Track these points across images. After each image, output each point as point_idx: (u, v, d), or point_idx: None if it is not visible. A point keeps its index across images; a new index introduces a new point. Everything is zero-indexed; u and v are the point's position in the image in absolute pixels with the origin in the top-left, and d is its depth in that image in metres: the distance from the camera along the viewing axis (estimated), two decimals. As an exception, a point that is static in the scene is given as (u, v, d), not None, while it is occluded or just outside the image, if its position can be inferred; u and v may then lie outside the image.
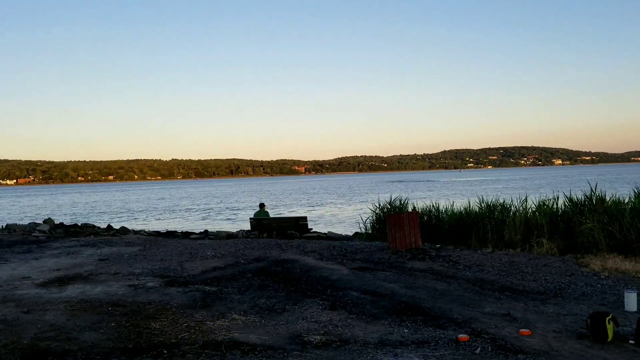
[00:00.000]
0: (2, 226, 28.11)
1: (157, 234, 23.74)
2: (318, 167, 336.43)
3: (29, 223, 29.27)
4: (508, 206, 12.92)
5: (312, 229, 18.83)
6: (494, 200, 13.46)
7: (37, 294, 7.74)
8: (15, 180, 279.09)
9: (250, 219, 18.00)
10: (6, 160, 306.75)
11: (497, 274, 9.23)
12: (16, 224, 29.60)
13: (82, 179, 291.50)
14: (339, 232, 21.40)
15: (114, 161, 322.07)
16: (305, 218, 16.99)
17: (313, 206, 49.66)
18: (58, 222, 30.33)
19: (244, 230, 21.15)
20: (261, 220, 17.15)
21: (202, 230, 25.05)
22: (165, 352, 5.12)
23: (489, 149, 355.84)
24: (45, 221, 28.91)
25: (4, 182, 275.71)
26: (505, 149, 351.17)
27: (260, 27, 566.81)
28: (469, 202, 13.77)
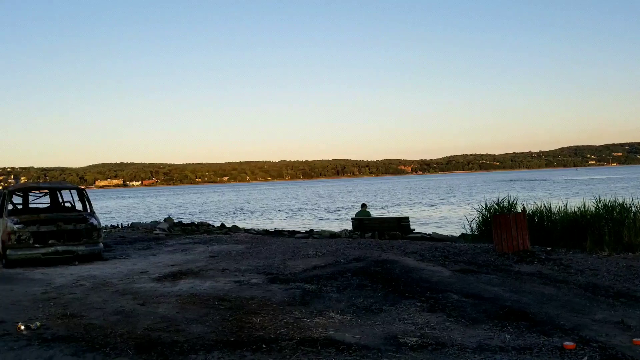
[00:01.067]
0: (128, 224, 30.60)
1: (265, 232, 24.63)
2: (425, 167, 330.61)
3: (151, 222, 31.61)
4: (628, 206, 11.93)
5: (414, 229, 18.55)
6: (612, 199, 12.48)
7: (152, 288, 8.34)
8: (140, 182, 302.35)
9: (352, 219, 18.11)
10: (132, 163, 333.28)
11: (612, 279, 8.55)
12: (140, 222, 32.09)
13: (200, 180, 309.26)
14: (445, 233, 20.93)
15: (228, 163, 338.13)
16: (407, 218, 16.79)
17: (419, 206, 48.93)
18: (177, 221, 32.48)
19: (346, 230, 21.32)
20: (363, 220, 17.20)
21: (308, 230, 25.61)
22: (264, 346, 5.31)
23: (613, 144, 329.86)
24: (165, 220, 31.09)
25: (131, 183, 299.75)
26: (631, 145, 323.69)
27: (355, 28, 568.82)
28: (584, 202, 12.87)
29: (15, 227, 10.89)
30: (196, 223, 31.51)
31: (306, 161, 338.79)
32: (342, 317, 6.46)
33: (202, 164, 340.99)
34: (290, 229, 27.45)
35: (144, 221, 33.79)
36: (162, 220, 30.93)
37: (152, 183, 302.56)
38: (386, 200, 62.20)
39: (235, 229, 26.08)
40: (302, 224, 34.54)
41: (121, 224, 31.02)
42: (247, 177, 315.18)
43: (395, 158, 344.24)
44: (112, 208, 69.82)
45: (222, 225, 29.73)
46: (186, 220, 37.05)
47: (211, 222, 33.25)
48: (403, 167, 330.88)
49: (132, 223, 30.77)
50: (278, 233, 24.16)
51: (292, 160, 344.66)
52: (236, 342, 5.47)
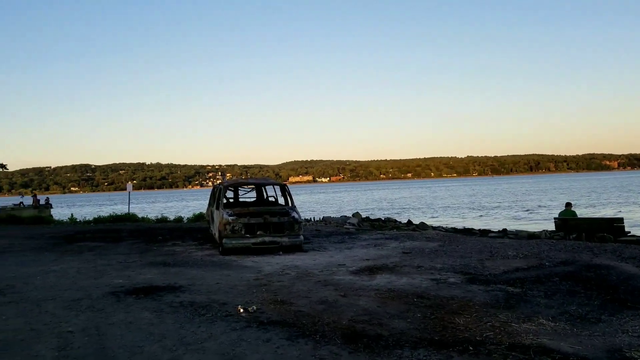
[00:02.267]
0: (320, 218, 32.21)
1: (455, 230, 24.02)
2: (635, 162, 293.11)
3: (341, 216, 32.88)
4: None
5: (629, 232, 16.52)
6: None
7: (350, 281, 8.60)
8: (328, 178, 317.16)
9: (555, 219, 16.75)
10: (321, 161, 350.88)
11: None
12: (330, 216, 33.59)
13: (384, 176, 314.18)
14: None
15: (412, 159, 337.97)
16: (621, 219, 15.02)
17: (633, 207, 43.52)
18: (364, 216, 33.33)
19: (547, 231, 19.81)
20: (567, 221, 15.80)
21: (501, 229, 24.38)
22: (471, 348, 5.12)
23: None
24: (354, 215, 32.11)
25: (320, 179, 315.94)
26: None
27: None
28: None
29: (230, 218, 12.08)
30: (383, 219, 31.96)
31: (495, 157, 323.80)
32: (554, 324, 5.96)
33: (386, 160, 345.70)
34: (481, 228, 26.40)
35: (334, 216, 35.26)
36: (350, 216, 32.01)
37: (339, 179, 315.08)
38: (592, 199, 56.58)
39: (423, 226, 25.88)
40: (494, 223, 33.04)
41: (313, 217, 32.77)
42: (432, 174, 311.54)
43: (599, 152, 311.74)
44: (303, 202, 74.25)
45: (409, 222, 29.71)
46: (372, 215, 37.78)
47: (397, 219, 33.45)
48: (608, 162, 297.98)
49: (323, 217, 32.33)
50: (468, 231, 23.38)
51: (480, 155, 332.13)
52: (441, 341, 5.36)
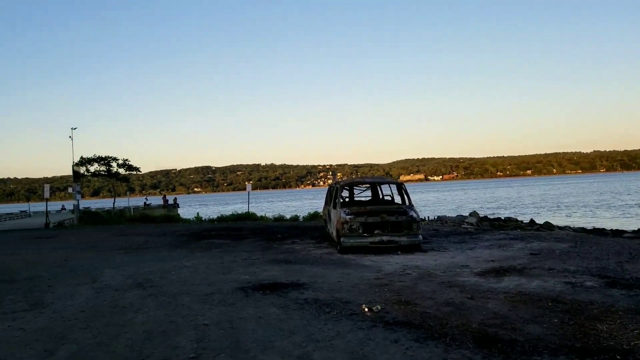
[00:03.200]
0: (435, 217, 31.52)
1: (583, 230, 22.41)
2: None
3: (457, 215, 31.94)
4: None
5: None
6: None
7: (476, 282, 8.28)
8: (440, 176, 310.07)
9: None
10: (433, 159, 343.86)
11: None
12: (445, 215, 32.75)
13: (501, 174, 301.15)
14: None
15: (532, 155, 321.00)
16: None
17: None
18: (482, 215, 32.12)
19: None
20: None
21: (637, 229, 22.38)
22: (619, 357, 4.70)
23: None
24: (471, 214, 31.03)
25: (432, 177, 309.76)
26: None
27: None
28: None
29: (347, 217, 12.15)
30: (503, 218, 30.59)
31: (625, 151, 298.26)
32: None
33: (503, 157, 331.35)
34: (614, 228, 24.38)
35: (449, 215, 34.34)
36: (467, 215, 30.99)
37: (452, 177, 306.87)
38: None
39: (548, 225, 24.40)
40: (628, 223, 30.41)
41: (428, 217, 32.14)
42: (554, 170, 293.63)
43: None
44: (416, 201, 73.11)
45: (532, 221, 28.17)
46: (490, 214, 36.32)
47: (518, 218, 31.85)
48: None
49: (438, 216, 31.62)
50: (599, 232, 21.70)
51: (607, 150, 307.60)
52: (583, 349, 4.97)
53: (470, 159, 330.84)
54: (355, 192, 17.37)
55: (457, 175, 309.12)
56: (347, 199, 16.70)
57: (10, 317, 7.09)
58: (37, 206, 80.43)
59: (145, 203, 55.91)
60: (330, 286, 8.30)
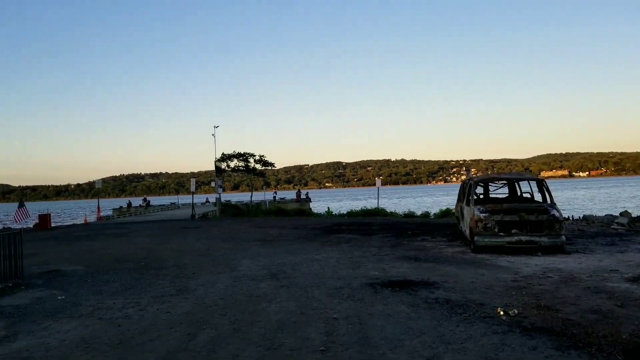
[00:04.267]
0: (580, 217, 29.18)
1: None
2: None
3: (606, 215, 29.27)
4: None
5: None
6: None
7: (627, 289, 7.50)
8: (587, 172, 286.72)
9: None
10: (578, 153, 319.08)
11: None
12: (592, 215, 30.16)
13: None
14: None
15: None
16: None
17: None
18: (635, 216, 29.11)
19: None
20: None
21: None
22: None
23: None
24: (622, 214, 28.26)
25: (577, 174, 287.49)
26: None
27: None
28: None
29: (482, 215, 11.63)
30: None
31: None
32: None
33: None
34: None
35: (596, 214, 31.57)
36: (617, 214, 28.28)
37: (600, 173, 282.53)
38: None
39: None
40: None
41: (572, 216, 29.83)
42: None
43: None
44: (558, 199, 68.40)
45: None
46: (646, 215, 32.74)
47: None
48: None
49: (583, 216, 29.21)
50: None
51: None
52: None
53: (622, 153, 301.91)
54: (491, 188, 16.59)
55: (605, 172, 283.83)
56: (481, 196, 16.01)
57: (159, 301, 7.73)
58: (185, 199, 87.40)
59: (274, 197, 58.39)
60: (462, 286, 8.01)
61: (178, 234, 19.82)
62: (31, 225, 27.11)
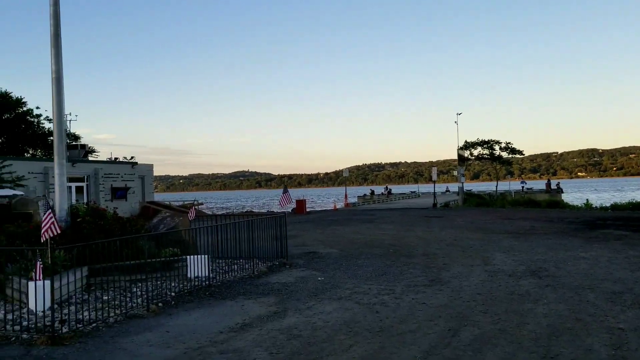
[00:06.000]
0: None
1: None
2: None
3: None
4: None
5: None
6: None
7: None
8: None
9: None
10: None
11: None
12: None
13: None
14: None
15: None
16: None
17: None
18: None
19: None
20: None
21: None
22: None
23: None
24: None
25: None
26: None
27: None
28: None
29: None
30: None
31: None
32: None
33: None
34: None
35: None
36: None
37: None
38: None
39: None
40: None
41: None
42: None
43: None
44: None
45: None
46: None
47: None
48: None
49: None
50: None
51: None
52: None
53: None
54: None
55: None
56: None
57: (412, 290, 7.58)
58: (424, 187, 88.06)
59: (522, 187, 54.64)
60: None
61: (422, 222, 19.76)
62: (290, 210, 30.04)
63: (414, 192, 68.15)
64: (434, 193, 36.83)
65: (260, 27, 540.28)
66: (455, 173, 45.90)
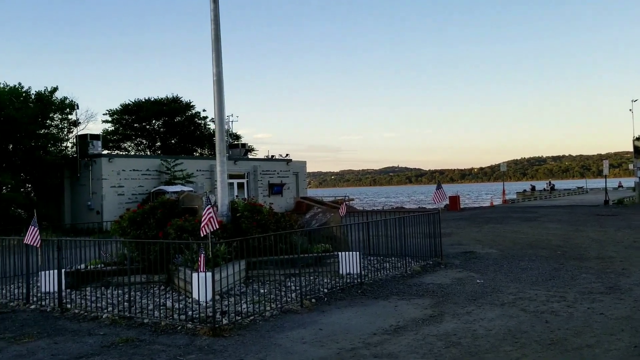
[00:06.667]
0: None
1: None
2: None
3: None
4: None
5: None
6: None
7: None
8: None
9: None
10: None
11: None
12: None
13: None
14: None
15: None
16: None
17: None
18: None
19: None
20: None
21: None
22: None
23: None
24: None
25: None
26: None
27: None
28: None
29: None
30: None
31: None
32: None
33: None
34: None
35: None
36: None
37: None
38: None
39: None
40: None
41: None
42: None
43: None
44: None
45: None
46: None
47: None
48: None
49: None
50: None
51: None
52: None
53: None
54: None
55: None
56: None
57: (587, 299, 6.70)
58: (592, 183, 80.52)
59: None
60: None
61: (593, 221, 17.86)
62: (443, 206, 29.14)
63: (581, 187, 62.42)
64: (605, 189, 33.30)
65: (402, 27, 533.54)
66: (630, 166, 41.23)
